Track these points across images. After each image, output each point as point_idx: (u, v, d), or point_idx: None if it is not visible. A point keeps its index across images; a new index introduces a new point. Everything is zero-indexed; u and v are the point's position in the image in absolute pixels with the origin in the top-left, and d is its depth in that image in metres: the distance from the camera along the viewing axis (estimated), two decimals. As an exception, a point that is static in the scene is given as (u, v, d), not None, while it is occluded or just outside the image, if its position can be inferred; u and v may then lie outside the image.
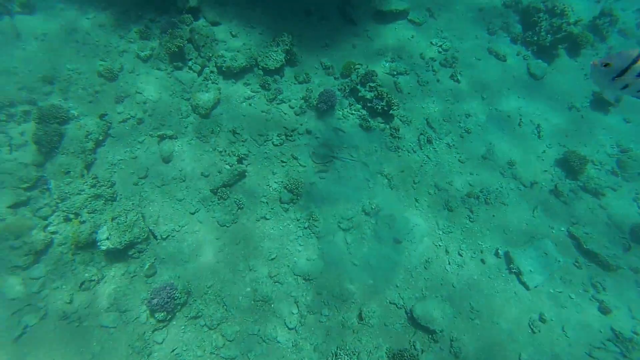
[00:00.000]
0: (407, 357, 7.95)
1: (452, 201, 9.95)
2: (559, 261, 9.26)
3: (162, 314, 8.19)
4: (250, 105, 10.53)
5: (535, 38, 12.47)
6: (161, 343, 8.14)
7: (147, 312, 8.31)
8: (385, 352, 8.31)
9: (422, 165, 10.37)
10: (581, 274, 9.41)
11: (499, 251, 9.41)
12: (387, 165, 10.25)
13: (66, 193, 8.87)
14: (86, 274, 8.48)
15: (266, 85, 10.66)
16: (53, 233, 8.70)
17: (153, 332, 8.19)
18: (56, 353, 7.77)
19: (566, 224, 10.04)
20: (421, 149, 10.56)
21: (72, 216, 8.82)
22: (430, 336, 8.58)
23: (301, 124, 10.41)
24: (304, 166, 10.01)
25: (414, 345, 8.52)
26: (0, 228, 8.34)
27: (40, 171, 9.10)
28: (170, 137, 9.81)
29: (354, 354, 8.25)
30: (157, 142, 9.79)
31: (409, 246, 9.43)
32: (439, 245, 9.50)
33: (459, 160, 10.57)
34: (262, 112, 10.47)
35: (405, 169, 10.26)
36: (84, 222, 8.81)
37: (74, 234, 8.49)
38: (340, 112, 10.70)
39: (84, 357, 7.82)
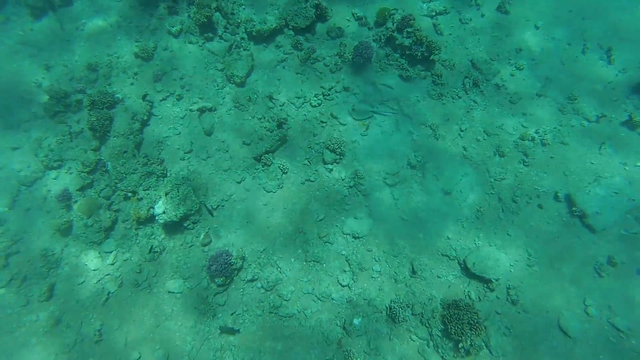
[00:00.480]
0: (462, 306, 7.96)
1: (503, 146, 9.42)
2: (634, 200, 8.53)
3: (221, 279, 8.79)
4: (284, 68, 10.45)
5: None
6: (223, 305, 8.82)
7: (207, 278, 8.98)
8: (440, 303, 8.38)
9: (468, 111, 9.83)
10: (658, 212, 8.62)
11: (559, 194, 8.87)
12: (430, 115, 9.85)
13: (122, 173, 9.57)
14: (150, 246, 9.26)
15: (298, 45, 10.47)
16: (116, 211, 9.52)
17: (215, 295, 8.86)
18: (135, 315, 8.73)
19: (642, 159, 9.14)
20: (467, 94, 9.97)
21: (130, 194, 9.56)
22: (485, 285, 8.48)
23: (338, 82, 10.20)
24: (345, 124, 9.91)
25: (468, 295, 8.49)
26: (74, 209, 9.28)
27: (98, 155, 9.85)
28: (210, 110, 10.09)
29: (408, 307, 8.41)
30: (197, 116, 10.12)
31: (459, 196, 9.18)
32: (491, 194, 9.15)
33: (509, 101, 9.87)
34: (297, 73, 10.36)
35: (451, 117, 9.80)
36: (141, 199, 9.52)
37: (135, 210, 9.23)
38: (378, 64, 10.30)
39: (158, 319, 8.72)
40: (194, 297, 8.86)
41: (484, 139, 9.57)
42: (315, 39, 10.73)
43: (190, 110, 10.15)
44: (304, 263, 9.00)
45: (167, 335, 8.54)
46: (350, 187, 9.42)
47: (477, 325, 7.69)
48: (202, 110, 10.05)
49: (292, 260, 9.05)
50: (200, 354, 8.40)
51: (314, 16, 10.56)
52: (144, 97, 10.18)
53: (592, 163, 9.15)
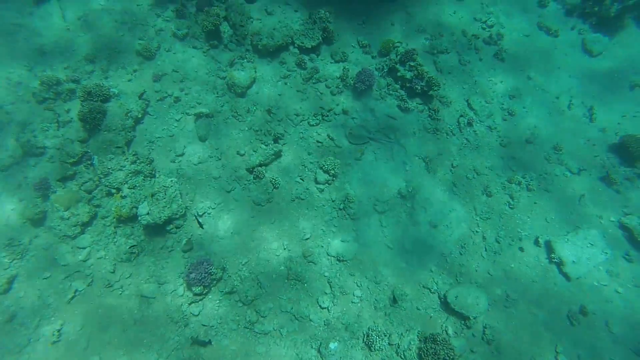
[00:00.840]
0: (439, 341, 8.05)
1: (492, 186, 9.80)
2: (607, 253, 9.01)
3: (199, 288, 8.60)
4: (286, 84, 10.63)
5: (597, 8, 11.60)
6: (197, 315, 8.60)
7: (184, 285, 8.76)
8: (417, 335, 8.45)
9: (461, 149, 10.22)
10: (632, 268, 9.11)
11: (540, 240, 9.25)
12: (424, 148, 10.17)
13: (109, 168, 9.34)
14: (127, 246, 9.00)
15: (302, 64, 10.71)
16: (97, 206, 9.25)
17: (190, 304, 8.64)
18: (101, 316, 8.37)
19: (617, 214, 9.69)
20: (461, 132, 10.39)
21: (114, 191, 9.32)
22: (463, 322, 8.64)
23: (337, 104, 10.44)
24: (340, 147, 10.08)
25: (446, 331, 8.61)
26: (52, 200, 8.95)
27: (85, 147, 9.62)
28: (207, 116, 10.09)
29: (386, 335, 8.44)
30: (193, 120, 10.10)
31: (444, 231, 9.41)
32: (476, 232, 9.44)
33: (500, 144, 10.34)
34: (298, 91, 10.55)
35: (444, 152, 10.15)
36: (125, 197, 9.29)
37: (117, 208, 8.99)
38: (378, 93, 10.63)
39: (126, 323, 8.40)
40: (168, 303, 8.61)
41: (474, 177, 9.93)
42: (319, 60, 11.00)
43: (187, 114, 10.12)
44: (286, 281, 8.93)
45: (134, 342, 8.22)
46: (340, 209, 9.52)
47: (452, 361, 7.78)
48: (199, 116, 10.04)
49: (274, 276, 8.97)
50: (167, 364, 8.13)
51: (320, 38, 10.86)
52: (140, 96, 10.09)
53: (571, 212, 9.62)
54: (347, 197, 9.51)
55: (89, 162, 9.50)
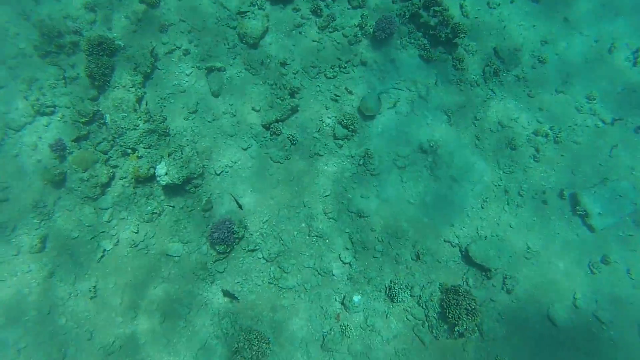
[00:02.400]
0: (461, 292, 8.52)
1: (516, 139, 9.82)
2: (636, 204, 9.17)
3: (222, 246, 8.99)
4: (300, 33, 10.32)
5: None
6: (222, 272, 9.07)
7: (208, 244, 9.15)
8: (439, 287, 8.92)
9: (485, 100, 10.11)
10: (655, 217, 9.28)
11: (564, 192, 9.42)
12: (447, 100, 10.07)
13: (122, 128, 9.40)
14: (148, 207, 9.30)
15: (318, 11, 10.31)
16: (114, 167, 9.43)
17: (214, 262, 9.08)
18: (130, 274, 8.87)
19: (649, 165, 9.70)
20: (486, 82, 10.21)
21: (129, 151, 9.45)
22: (483, 274, 9.06)
23: (355, 55, 10.20)
24: (359, 100, 10.00)
25: (467, 282, 9.06)
26: (69, 161, 9.12)
27: (95, 105, 9.61)
28: (219, 70, 9.93)
29: (407, 288, 8.92)
30: (205, 74, 9.96)
31: (466, 185, 9.59)
32: (499, 185, 9.60)
33: (527, 95, 10.19)
34: (314, 41, 10.27)
35: (467, 104, 10.06)
36: (141, 157, 9.44)
37: (134, 168, 9.16)
38: (399, 42, 10.32)
39: (154, 281, 8.90)
40: (193, 262, 9.05)
41: (498, 130, 9.92)
42: (336, 6, 10.58)
43: (198, 67, 9.96)
44: (307, 237, 9.29)
45: (164, 297, 8.77)
46: (360, 165, 9.66)
47: (474, 311, 8.28)
48: (210, 69, 9.88)
49: (295, 233, 9.32)
50: (198, 317, 8.71)
51: (336, -20, 10.37)
52: (151, 52, 9.84)
53: (601, 165, 9.69)
54: (367, 152, 9.59)
55: (102, 121, 9.53)
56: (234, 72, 10.04)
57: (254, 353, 8.27)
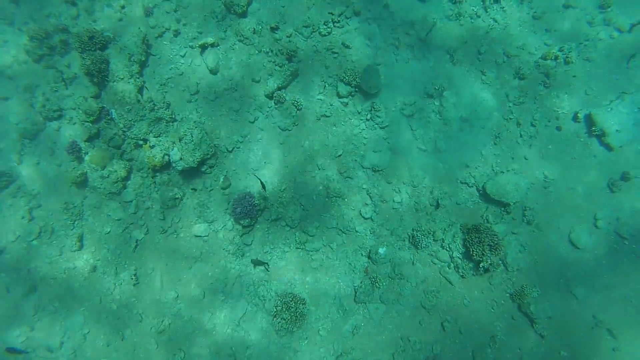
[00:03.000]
0: (482, 229, 8.81)
1: (524, 68, 9.59)
2: (656, 115, 9.03)
3: (247, 220, 9.43)
4: (287, -8, 10.05)
5: None
6: (250, 244, 9.58)
7: (232, 220, 9.60)
8: (460, 228, 9.22)
9: (487, 32, 9.79)
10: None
11: (579, 115, 9.28)
12: (448, 38, 9.81)
13: (129, 120, 9.64)
14: (169, 193, 9.73)
15: (300, -35, 9.95)
16: (130, 160, 9.80)
17: (242, 236, 9.58)
18: (165, 258, 9.50)
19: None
20: (486, 12, 9.83)
21: (141, 142, 9.76)
22: (503, 209, 9.27)
23: (348, 5, 9.91)
24: (357, 53, 9.87)
25: (487, 219, 9.33)
26: (87, 161, 9.53)
27: (99, 102, 9.83)
28: (212, 45, 9.88)
29: (430, 233, 9.26)
30: (199, 53, 9.94)
31: (476, 124, 9.57)
32: (510, 119, 9.55)
33: (533, 17, 9.79)
34: (302, -2, 10.01)
35: (469, 39, 9.78)
36: (153, 146, 9.74)
37: (149, 158, 9.50)
38: (390, -17, 9.94)
39: (188, 261, 9.52)
40: (221, 239, 9.58)
41: (504, 62, 9.69)
42: (318, -44, 10.16)
43: (191, 47, 9.93)
44: (326, 199, 9.62)
45: (200, 275, 9.42)
46: (368, 120, 9.72)
47: (496, 246, 8.61)
48: (204, 47, 9.84)
49: (314, 197, 9.66)
50: (235, 289, 9.37)
51: None
52: (144, 39, 9.78)
53: (617, 79, 9.40)
54: (373, 106, 9.61)
55: (109, 117, 9.78)
56: (228, 45, 9.98)
57: (292, 314, 8.92)
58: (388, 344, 8.95)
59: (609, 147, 9.15)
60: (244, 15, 9.96)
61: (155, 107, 9.66)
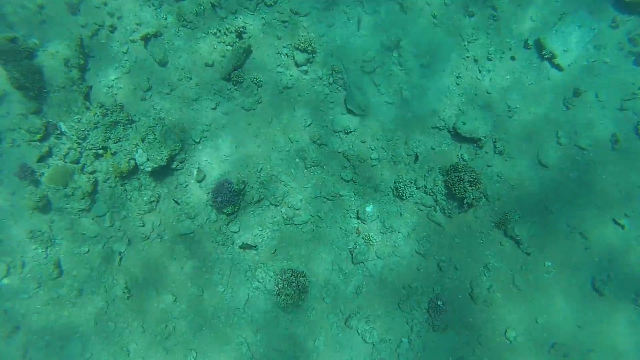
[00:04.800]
0: (461, 168, 9.43)
1: (471, 5, 10.08)
2: (594, 29, 9.85)
3: (229, 207, 9.51)
4: (220, -35, 9.84)
5: None
6: (238, 231, 9.71)
7: (214, 211, 9.65)
8: (439, 171, 9.80)
9: (430, -27, 10.16)
10: (617, 34, 9.95)
11: (529, 41, 9.95)
12: (392, -13, 10.10)
13: (82, 130, 9.27)
14: (144, 197, 9.58)
15: None
16: (92, 172, 9.48)
17: (228, 224, 9.67)
18: (155, 264, 9.46)
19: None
20: (425, -46, 10.18)
21: (101, 151, 9.45)
22: (475, 145, 9.93)
23: (286, -30, 9.90)
24: (308, 18, 9.95)
25: (462, 158, 9.97)
26: (45, 182, 9.12)
27: (43, 117, 9.35)
28: (155, 36, 9.58)
29: (411, 182, 9.79)
30: (142, 45, 9.63)
31: (437, 67, 10.04)
32: (467, 57, 10.09)
33: (468, -46, 10.25)
34: (238, -31, 9.85)
35: (414, -16, 10.12)
36: (115, 153, 9.48)
37: (113, 166, 9.26)
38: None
39: (180, 261, 9.54)
40: (207, 232, 9.63)
41: (452, 2, 10.13)
42: None
43: (132, 41, 9.58)
44: (305, 170, 9.87)
45: (194, 275, 9.49)
46: (331, 84, 9.94)
47: (476, 181, 9.28)
48: (146, 38, 9.53)
49: (293, 170, 9.87)
50: (234, 279, 9.54)
51: None
52: (80, 41, 9.29)
53: (557, 1, 10.11)
54: (333, 69, 9.82)
55: (59, 132, 9.36)
56: (172, 32, 9.72)
57: (294, 288, 9.23)
58: (392, 295, 9.54)
59: (559, 68, 9.95)
60: (181, -3, 9.71)
61: (108, 112, 9.34)
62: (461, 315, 9.35)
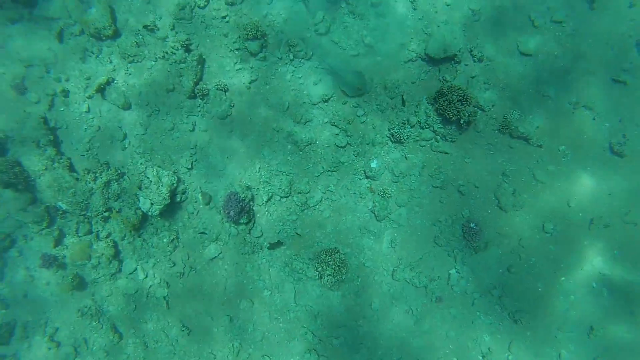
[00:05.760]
0: (446, 90, 9.42)
1: None
2: None
3: (244, 217, 9.75)
4: (139, -11, 9.67)
5: None
6: (261, 236, 9.97)
7: (232, 225, 9.89)
8: (426, 101, 9.79)
9: None
10: None
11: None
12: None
13: (81, 202, 9.48)
14: (164, 240, 9.88)
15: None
16: (108, 236, 9.78)
17: (249, 232, 9.96)
18: (198, 294, 9.86)
19: None
20: None
21: (107, 213, 9.69)
22: (452, 62, 9.87)
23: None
24: (245, 3, 9.81)
25: (444, 79, 9.93)
26: (69, 262, 9.49)
27: (40, 205, 9.57)
28: (108, 83, 9.57)
29: (404, 124, 9.83)
30: (100, 97, 9.64)
31: (392, 4, 9.86)
32: (413, -18, 9.88)
33: None
34: (157, -15, 9.66)
35: None
36: (120, 210, 9.72)
37: (125, 222, 9.52)
38: None
39: (219, 285, 9.90)
40: (233, 247, 9.93)
41: None
42: None
43: (89, 97, 9.61)
44: (300, 152, 9.99)
45: (234, 290, 9.90)
46: (292, 60, 9.88)
47: (465, 97, 9.29)
48: (101, 89, 9.55)
49: (289, 158, 10.00)
50: (273, 280, 9.90)
51: None
52: (44, 120, 9.40)
53: None
54: (288, 43, 9.73)
55: (61, 212, 9.61)
56: (122, 73, 9.70)
57: (334, 267, 9.50)
58: (426, 235, 9.80)
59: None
60: (116, 35, 9.60)
61: (97, 175, 9.51)
62: (497, 228, 9.60)
